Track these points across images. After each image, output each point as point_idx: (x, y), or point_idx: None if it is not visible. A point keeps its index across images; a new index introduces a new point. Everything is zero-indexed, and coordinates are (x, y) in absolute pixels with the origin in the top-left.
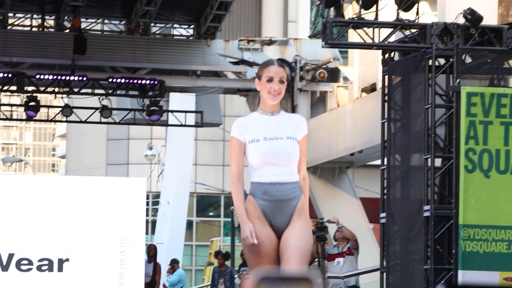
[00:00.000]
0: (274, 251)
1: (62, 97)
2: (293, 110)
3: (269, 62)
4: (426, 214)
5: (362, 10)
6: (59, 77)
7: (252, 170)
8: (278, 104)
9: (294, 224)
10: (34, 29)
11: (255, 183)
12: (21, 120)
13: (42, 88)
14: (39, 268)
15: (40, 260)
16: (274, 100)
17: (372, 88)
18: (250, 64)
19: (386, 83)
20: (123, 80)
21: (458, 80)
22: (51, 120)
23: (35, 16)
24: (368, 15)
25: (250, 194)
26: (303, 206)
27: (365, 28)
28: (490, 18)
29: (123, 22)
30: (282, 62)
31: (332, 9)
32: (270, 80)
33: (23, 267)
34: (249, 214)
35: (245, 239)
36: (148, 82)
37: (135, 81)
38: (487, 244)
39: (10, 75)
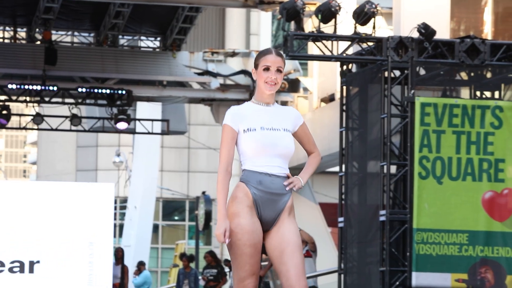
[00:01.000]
0: (259, 242)
1: (33, 106)
2: None
3: (266, 51)
4: (382, 218)
5: (321, 24)
6: (30, 87)
7: (245, 159)
8: (274, 95)
9: (287, 222)
10: (6, 40)
11: (249, 171)
12: None
13: (14, 97)
14: (10, 270)
15: (12, 262)
16: (270, 90)
17: (330, 98)
18: (214, 75)
19: (344, 94)
20: (92, 90)
21: (412, 91)
22: (23, 128)
23: (7, 28)
24: (327, 29)
25: (242, 181)
26: (292, 205)
27: (324, 41)
28: (443, 33)
29: (92, 34)
30: (280, 51)
31: (292, 22)
32: (267, 69)
33: None
34: (238, 201)
35: (218, 236)
36: (116, 91)
37: (104, 90)
38: (439, 247)
39: None
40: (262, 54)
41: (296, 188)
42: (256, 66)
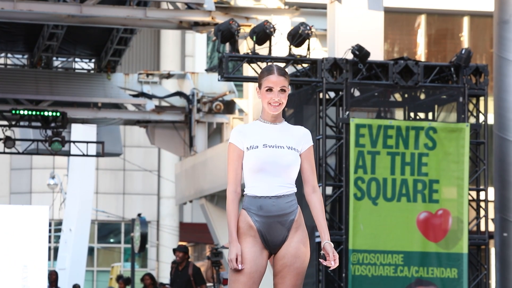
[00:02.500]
0: (257, 272)
1: None
2: (191, 140)
3: (269, 71)
4: (318, 239)
5: (256, 45)
6: None
7: (247, 180)
8: (280, 114)
9: (290, 241)
10: None
11: (250, 197)
12: None
13: None
14: None
15: None
16: (274, 111)
17: None
18: (149, 96)
19: None
20: (26, 112)
21: (347, 113)
22: None
23: None
24: (262, 50)
25: (243, 208)
26: (299, 220)
27: (259, 63)
28: (377, 54)
29: (26, 56)
30: (283, 68)
31: (227, 44)
32: (269, 90)
33: None
34: (241, 232)
35: (230, 261)
36: (50, 113)
37: (38, 112)
38: (375, 268)
39: None
40: (264, 73)
41: (337, 263)
42: (259, 85)
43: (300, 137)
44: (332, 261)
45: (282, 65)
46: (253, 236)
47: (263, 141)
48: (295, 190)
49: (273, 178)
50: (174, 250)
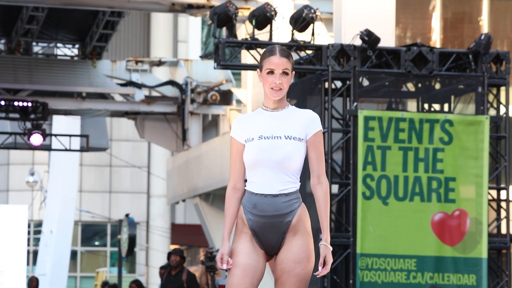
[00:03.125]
0: (251, 265)
1: None
2: (184, 134)
3: (270, 51)
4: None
5: (255, 30)
6: None
7: (247, 175)
8: (284, 99)
9: (289, 245)
10: None
11: (248, 192)
12: None
13: None
14: None
15: None
16: (275, 96)
17: None
18: (139, 85)
19: None
20: (3, 103)
21: (355, 104)
22: None
23: None
24: (262, 36)
25: (242, 204)
26: (299, 222)
27: (258, 49)
28: (388, 40)
29: (2, 41)
30: (286, 49)
31: (224, 29)
32: (271, 72)
33: None
34: (237, 228)
35: (216, 261)
36: (30, 104)
37: (16, 103)
38: (385, 274)
39: None
40: (265, 55)
41: (329, 264)
42: (260, 68)
43: (305, 122)
44: (320, 266)
45: None
46: (247, 233)
47: (259, 132)
48: (296, 186)
49: (270, 174)
50: (170, 254)
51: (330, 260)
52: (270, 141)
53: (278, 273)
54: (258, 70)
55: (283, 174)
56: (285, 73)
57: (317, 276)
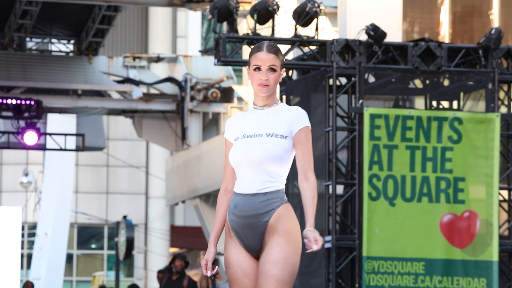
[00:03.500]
0: (245, 276)
1: None
2: (184, 133)
3: (258, 48)
4: (328, 245)
5: (257, 25)
6: None
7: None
8: (273, 96)
9: (268, 246)
10: None
11: (234, 193)
12: None
13: None
14: None
15: None
16: (262, 92)
17: None
18: (136, 82)
19: None
20: None
21: (360, 101)
22: None
23: None
24: (264, 31)
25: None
26: (278, 222)
27: None
28: (394, 35)
29: None
30: (275, 45)
31: (225, 24)
32: (257, 69)
33: None
34: (225, 232)
35: (201, 267)
36: (23, 102)
37: (9, 101)
38: (392, 278)
39: None
40: (253, 51)
41: (319, 245)
42: (248, 64)
43: (291, 119)
44: (314, 245)
45: (287, 47)
46: (231, 236)
47: (244, 131)
48: (278, 186)
49: (252, 173)
50: (175, 258)
51: (320, 239)
52: (251, 139)
53: (259, 276)
54: (247, 68)
55: (264, 173)
56: (272, 69)
57: (311, 250)
